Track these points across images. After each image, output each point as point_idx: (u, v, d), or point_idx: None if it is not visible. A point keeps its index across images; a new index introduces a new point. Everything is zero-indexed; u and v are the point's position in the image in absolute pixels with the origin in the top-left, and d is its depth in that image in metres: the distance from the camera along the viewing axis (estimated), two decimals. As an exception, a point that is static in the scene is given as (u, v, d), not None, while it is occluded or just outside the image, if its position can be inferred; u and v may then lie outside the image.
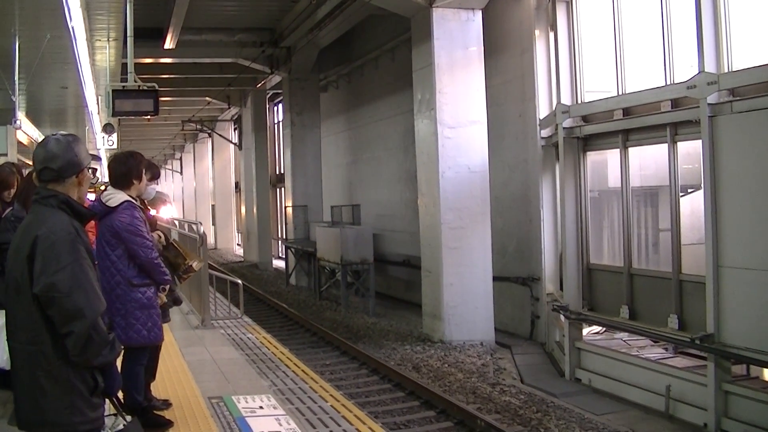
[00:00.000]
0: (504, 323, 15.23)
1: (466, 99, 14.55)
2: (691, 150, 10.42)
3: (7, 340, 3.32)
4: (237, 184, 39.86)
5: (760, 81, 8.55)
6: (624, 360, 11.14)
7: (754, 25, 9.42)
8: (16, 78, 10.99)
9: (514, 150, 15.12)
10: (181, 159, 55.34)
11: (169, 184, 58.13)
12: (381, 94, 21.63)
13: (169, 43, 20.65)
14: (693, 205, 10.57)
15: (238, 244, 41.41)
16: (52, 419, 3.17)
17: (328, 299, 20.63)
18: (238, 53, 23.67)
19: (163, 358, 6.36)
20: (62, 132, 3.51)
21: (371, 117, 22.67)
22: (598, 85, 12.59)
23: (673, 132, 10.30)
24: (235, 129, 39.00)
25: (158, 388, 6.40)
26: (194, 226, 11.43)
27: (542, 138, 13.70)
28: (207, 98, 30.64)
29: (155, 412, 5.80)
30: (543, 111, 13.73)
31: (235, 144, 37.68)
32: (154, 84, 10.83)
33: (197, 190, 48.60)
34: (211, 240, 39.41)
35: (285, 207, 26.56)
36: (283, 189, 29.15)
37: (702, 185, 9.49)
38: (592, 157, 12.57)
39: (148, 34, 18.88)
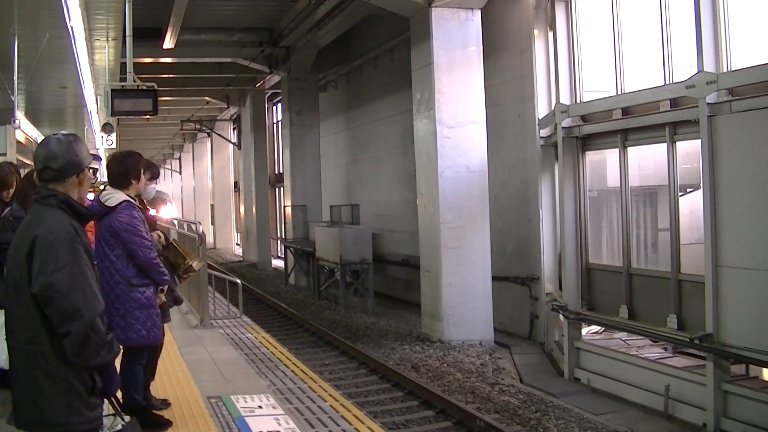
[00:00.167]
0: (503, 323, 15.23)
1: (465, 99, 14.55)
2: (690, 149, 10.42)
3: (6, 339, 3.33)
4: (236, 184, 39.84)
5: (759, 80, 8.56)
6: (623, 360, 11.14)
7: (753, 24, 9.42)
8: (15, 77, 10.97)
9: (513, 150, 15.12)
10: (180, 159, 55.34)
11: (168, 183, 58.10)
12: (380, 93, 21.63)
13: (168, 43, 20.65)
14: (692, 205, 10.57)
15: (237, 244, 41.40)
16: (50, 419, 3.17)
17: (327, 299, 20.63)
18: (237, 53, 23.66)
19: (162, 357, 6.36)
20: (63, 132, 3.51)
21: (370, 117, 22.67)
22: (597, 85, 12.59)
23: (672, 131, 10.30)
24: (234, 129, 38.99)
25: (157, 388, 6.40)
26: (193, 226, 11.43)
27: (541, 138, 13.70)
28: (206, 98, 30.61)
29: (154, 411, 5.80)
30: (542, 111, 13.73)
31: (234, 144, 37.67)
32: (153, 84, 10.82)
33: (196, 190, 48.60)
34: (210, 240, 39.41)
35: (284, 207, 26.56)
36: (282, 189, 29.15)
37: (701, 185, 9.50)
38: (591, 156, 12.57)
39: (147, 34, 18.87)
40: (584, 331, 12.43)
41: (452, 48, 14.49)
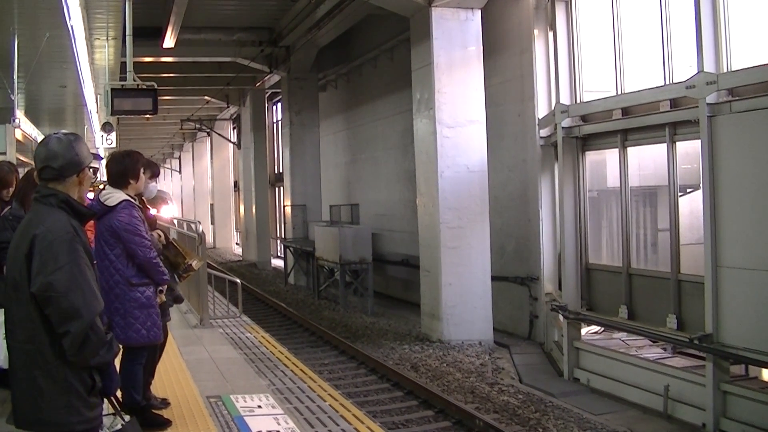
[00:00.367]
0: (502, 323, 15.23)
1: (465, 99, 14.55)
2: (690, 150, 10.42)
3: (6, 338, 3.32)
4: (236, 184, 39.84)
5: (759, 81, 8.56)
6: (622, 360, 11.14)
7: (754, 25, 9.42)
8: (15, 77, 10.95)
9: (513, 150, 15.12)
10: (180, 158, 55.35)
11: (168, 183, 58.10)
12: (380, 93, 21.63)
13: (168, 42, 20.64)
14: (692, 205, 10.57)
15: (236, 244, 41.40)
16: (49, 418, 3.16)
17: (327, 299, 20.63)
18: (237, 52, 23.66)
19: (162, 357, 6.36)
20: (64, 131, 3.51)
21: (370, 116, 22.68)
22: (597, 85, 12.60)
23: (672, 132, 10.30)
24: (233, 128, 38.99)
25: (156, 387, 6.40)
26: (193, 225, 11.43)
27: (541, 138, 13.70)
28: (206, 97, 30.61)
29: (153, 411, 5.80)
30: (542, 111, 13.73)
31: (233, 143, 37.67)
32: (153, 83, 10.82)
33: (196, 190, 48.61)
34: (209, 239, 39.41)
35: (284, 206, 26.56)
36: (281, 188, 29.16)
37: (701, 185, 9.50)
38: (591, 156, 12.57)
39: (147, 33, 18.87)
40: (584, 331, 12.43)
41: (452, 48, 14.49)
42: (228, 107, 34.45)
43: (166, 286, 5.85)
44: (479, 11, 14.61)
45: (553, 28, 13.19)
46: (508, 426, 9.45)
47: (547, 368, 12.83)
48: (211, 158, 45.47)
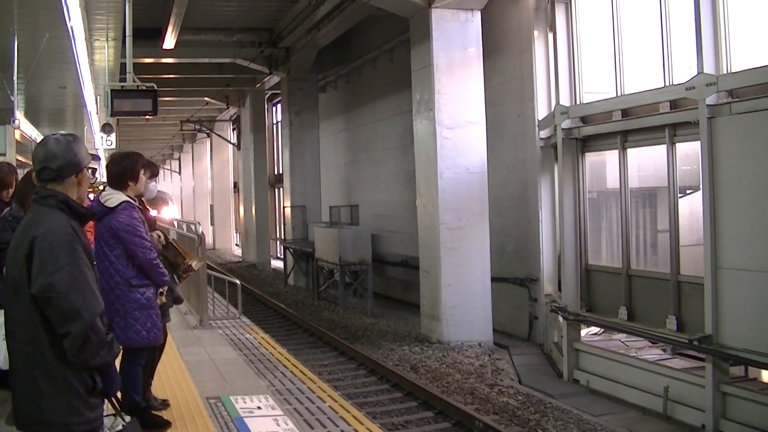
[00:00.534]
0: (502, 324, 15.23)
1: (465, 99, 14.55)
2: (689, 151, 10.43)
3: (6, 339, 3.32)
4: (235, 185, 39.84)
5: (759, 82, 8.57)
6: (622, 361, 11.14)
7: (754, 26, 9.42)
8: (15, 77, 10.96)
9: (513, 151, 15.12)
10: (179, 159, 55.35)
11: (167, 184, 58.10)
12: (380, 94, 21.64)
13: (167, 43, 20.64)
14: (691, 207, 10.57)
15: (236, 245, 41.40)
16: (50, 419, 3.16)
17: (327, 299, 20.63)
18: (236, 53, 23.66)
19: (161, 358, 6.36)
20: (62, 131, 3.50)
21: (370, 117, 22.68)
22: (596, 86, 12.60)
23: (671, 133, 10.31)
24: (233, 129, 38.99)
25: (156, 388, 6.40)
26: (192, 226, 11.43)
27: (541, 139, 13.70)
28: (206, 98, 30.64)
29: (153, 412, 5.79)
30: (542, 112, 13.73)
31: (233, 144, 37.68)
32: (153, 84, 10.83)
33: (196, 191, 48.60)
34: (209, 240, 39.40)
35: (283, 207, 26.55)
36: (281, 189, 29.15)
37: (700, 186, 9.50)
38: (591, 157, 12.58)
39: (147, 34, 18.85)
40: (583, 332, 12.43)
41: (452, 49, 14.49)
42: (228, 108, 34.46)
43: (166, 288, 5.85)
44: (479, 12, 14.61)
45: (553, 29, 13.19)
46: (508, 427, 9.45)
47: (547, 369, 12.82)
48: (211, 159, 45.48)
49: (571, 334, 12.12)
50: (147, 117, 10.86)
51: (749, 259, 8.69)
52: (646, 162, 11.99)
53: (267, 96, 32.16)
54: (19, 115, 13.07)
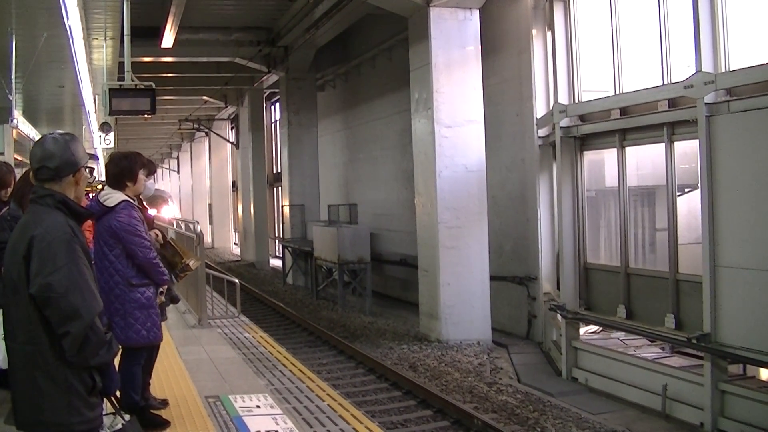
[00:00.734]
0: (501, 323, 15.24)
1: (464, 98, 14.55)
2: (688, 149, 10.43)
3: (5, 339, 3.32)
4: (234, 183, 39.82)
5: (758, 81, 8.57)
6: (621, 359, 11.14)
7: (752, 24, 9.43)
8: (13, 77, 10.95)
9: (512, 149, 15.12)
10: (178, 158, 55.31)
11: (166, 183, 58.08)
12: (378, 93, 21.63)
13: (166, 42, 20.63)
14: (690, 205, 10.58)
15: (235, 244, 41.36)
16: (50, 419, 3.16)
17: (325, 298, 20.63)
18: (235, 52, 23.65)
19: (160, 357, 6.35)
20: (60, 131, 3.50)
21: (368, 116, 22.67)
22: (595, 85, 12.60)
23: (670, 131, 10.31)
24: (232, 128, 38.97)
25: (155, 388, 6.40)
26: (191, 225, 11.43)
27: (539, 137, 13.70)
28: (204, 97, 30.63)
29: (152, 411, 5.79)
30: (540, 110, 13.73)
31: (232, 143, 37.66)
32: (151, 83, 10.83)
33: (194, 189, 48.59)
34: (208, 239, 39.37)
35: (282, 206, 26.54)
36: (280, 188, 29.15)
37: (699, 185, 9.50)
38: (589, 156, 12.58)
39: (145, 33, 18.84)
40: (582, 330, 12.44)
41: (450, 48, 14.48)
42: (226, 107, 34.44)
43: (166, 287, 5.85)
44: (477, 11, 14.60)
45: (552, 27, 13.19)
46: (507, 425, 9.45)
47: (546, 368, 12.83)
48: (210, 158, 45.44)
49: (569, 332, 12.13)
50: (145, 116, 10.87)
51: (748, 258, 8.69)
52: (645, 160, 11.99)
53: (265, 95, 32.14)
54: (17, 115, 13.06)
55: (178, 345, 8.83)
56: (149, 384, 6.02)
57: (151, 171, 6.54)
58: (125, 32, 11.01)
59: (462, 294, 14.41)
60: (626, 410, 10.40)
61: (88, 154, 3.73)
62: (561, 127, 12.32)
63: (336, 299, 19.58)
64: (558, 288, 12.94)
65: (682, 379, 9.84)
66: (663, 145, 10.48)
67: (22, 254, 3.16)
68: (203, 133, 41.09)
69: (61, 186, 3.31)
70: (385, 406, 10.45)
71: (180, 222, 14.00)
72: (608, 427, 9.55)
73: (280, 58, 24.04)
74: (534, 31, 13.79)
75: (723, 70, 9.13)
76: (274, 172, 32.85)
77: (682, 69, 10.04)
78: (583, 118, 12.20)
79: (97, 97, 14.05)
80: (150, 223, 6.32)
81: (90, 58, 11.61)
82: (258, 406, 6.37)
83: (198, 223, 11.38)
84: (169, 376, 7.28)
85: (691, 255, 10.18)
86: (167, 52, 21.79)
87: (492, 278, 14.79)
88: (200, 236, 10.41)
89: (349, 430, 6.55)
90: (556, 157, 12.75)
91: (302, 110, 24.77)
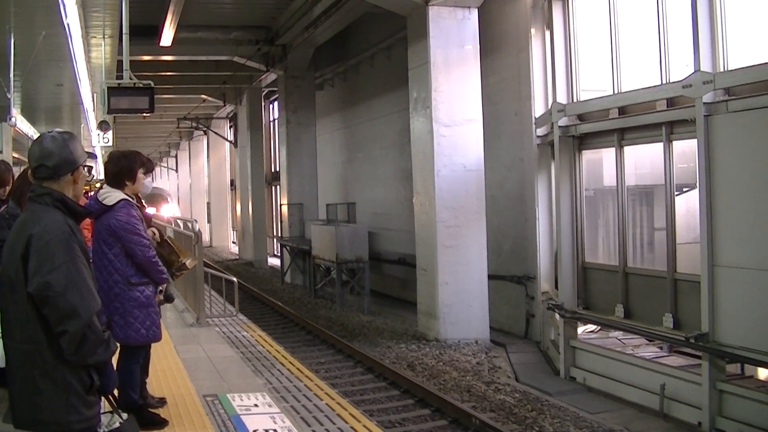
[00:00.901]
0: (499, 322, 15.24)
1: (462, 97, 14.55)
2: (686, 149, 10.44)
3: (3, 338, 3.32)
4: (232, 182, 39.81)
5: (756, 80, 8.57)
6: (619, 359, 11.15)
7: (751, 24, 9.43)
8: (12, 75, 10.95)
9: (510, 149, 15.12)
10: (176, 157, 55.29)
11: (164, 181, 58.05)
12: (377, 92, 21.63)
13: (164, 41, 20.61)
14: (688, 204, 10.59)
15: (233, 242, 41.36)
16: (48, 418, 3.16)
17: (323, 297, 20.63)
18: (233, 51, 23.65)
19: (158, 356, 6.37)
20: (58, 129, 3.50)
21: (367, 115, 22.67)
22: (593, 84, 12.60)
23: (668, 131, 10.31)
24: (230, 127, 38.96)
25: (153, 386, 6.40)
26: (189, 224, 11.42)
27: (538, 137, 13.71)
28: (202, 96, 30.62)
29: (150, 410, 5.79)
30: (539, 110, 13.73)
31: (230, 142, 37.65)
32: (150, 81, 10.82)
33: (193, 188, 48.58)
34: (206, 238, 39.37)
35: (280, 205, 26.54)
36: (278, 187, 29.16)
37: (697, 184, 9.50)
38: (588, 155, 12.58)
39: (143, 32, 18.82)
40: (580, 330, 12.44)
41: (449, 47, 14.48)
42: (225, 106, 34.43)
43: (165, 285, 5.85)
44: (476, 10, 14.60)
45: (550, 27, 13.19)
46: (505, 425, 9.45)
47: (544, 367, 12.84)
48: (208, 157, 45.41)
49: (567, 331, 12.13)
50: (144, 114, 10.86)
51: (746, 257, 8.70)
52: (643, 160, 12.00)
53: (264, 93, 32.14)
54: (16, 113, 13.06)
55: (176, 344, 8.83)
56: (146, 382, 6.02)
57: (148, 169, 6.54)
58: (124, 30, 11.00)
59: (460, 293, 14.41)
60: (624, 409, 10.41)
61: (87, 152, 3.73)
62: (559, 127, 12.32)
63: (334, 298, 19.58)
64: (556, 287, 12.95)
65: (680, 378, 9.85)
66: (661, 144, 10.48)
67: (20, 253, 3.16)
68: (202, 132, 41.09)
69: (59, 184, 3.31)
70: (383, 405, 10.45)
71: (178, 220, 13.98)
72: (606, 427, 9.56)
73: (279, 56, 24.04)
74: (533, 31, 13.79)
75: (721, 70, 9.13)
76: (273, 170, 32.85)
77: (681, 68, 10.04)
78: (582, 118, 12.20)
79: (95, 95, 14.04)
80: (147, 221, 6.32)
81: (88, 56, 11.60)
82: (256, 405, 6.37)
83: (196, 221, 11.37)
84: (167, 375, 7.28)
85: (689, 254, 10.18)
86: (166, 50, 21.78)
87: (490, 277, 14.79)
88: (198, 235, 10.41)
89: (347, 428, 6.55)
90: (555, 156, 12.76)
91: (301, 109, 24.76)
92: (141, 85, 10.58)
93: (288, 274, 24.67)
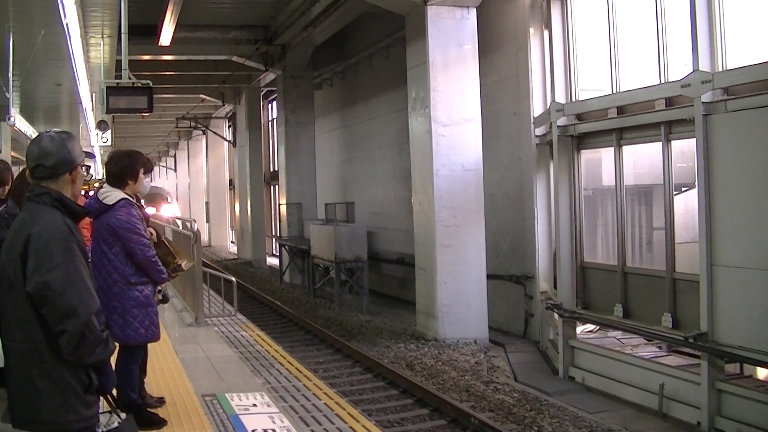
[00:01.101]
0: (498, 321, 15.25)
1: (461, 97, 14.55)
2: (685, 148, 10.44)
3: (1, 338, 3.31)
4: (231, 182, 39.80)
5: (755, 80, 8.57)
6: (618, 358, 11.15)
7: (749, 23, 9.43)
8: (10, 75, 10.95)
9: (509, 148, 15.13)
10: (175, 156, 55.25)
11: (163, 181, 58.02)
12: (375, 91, 21.62)
13: (163, 40, 20.59)
14: (687, 204, 10.59)
15: (232, 242, 41.35)
16: (47, 417, 3.16)
17: (322, 297, 20.62)
18: (232, 50, 23.64)
19: (157, 355, 6.37)
20: (56, 129, 3.50)
21: (366, 115, 22.67)
22: (592, 84, 12.59)
23: (667, 130, 10.31)
24: (229, 126, 38.95)
25: (152, 386, 6.40)
26: (188, 224, 11.42)
27: (536, 136, 13.71)
28: (201, 95, 30.61)
29: (149, 409, 5.79)
30: (537, 109, 13.73)
31: (229, 141, 37.64)
32: (149, 81, 10.81)
33: (191, 188, 48.55)
34: (205, 237, 39.37)
35: (279, 204, 26.54)
36: (277, 186, 29.13)
37: (696, 184, 9.51)
38: (587, 155, 12.58)
39: (142, 31, 18.84)
40: (579, 329, 12.44)
41: (448, 46, 14.48)
42: (223, 105, 34.41)
43: (165, 285, 5.85)
44: (475, 10, 14.60)
45: (549, 26, 13.19)
46: (503, 424, 9.45)
47: (543, 367, 12.84)
48: (207, 156, 45.37)
49: (566, 331, 12.13)
50: (143, 114, 10.85)
51: (744, 257, 8.70)
52: (642, 159, 12.00)
53: (263, 93, 32.13)
54: (15, 112, 13.05)
55: (175, 343, 8.83)
56: (144, 382, 6.02)
57: (148, 169, 6.55)
58: (123, 30, 10.99)
59: (459, 293, 14.41)
60: (623, 409, 10.41)
61: (85, 152, 3.72)
62: (558, 126, 12.32)
63: (333, 298, 19.57)
64: (555, 287, 12.95)
65: (679, 378, 9.85)
66: (660, 144, 10.48)
67: (19, 252, 3.16)
68: (200, 132, 41.08)
69: (57, 184, 3.31)
70: (382, 405, 10.45)
71: (177, 220, 13.98)
72: (605, 426, 9.56)
73: (278, 56, 24.03)
74: (531, 30, 13.79)
75: (720, 69, 9.13)
76: (271, 170, 32.83)
77: (679, 68, 10.04)
78: (580, 117, 12.20)
79: (94, 95, 14.03)
80: (146, 221, 6.32)
81: (87, 56, 11.60)
82: (255, 405, 6.37)
83: (195, 221, 11.37)
84: (166, 375, 7.28)
85: (688, 254, 10.19)
86: (165, 50, 21.76)
87: (489, 277, 14.79)
88: (197, 234, 10.41)
89: (346, 428, 6.56)
90: (553, 155, 12.75)
91: (299, 108, 24.75)
92: (140, 85, 10.57)
93: (287, 274, 24.66)
